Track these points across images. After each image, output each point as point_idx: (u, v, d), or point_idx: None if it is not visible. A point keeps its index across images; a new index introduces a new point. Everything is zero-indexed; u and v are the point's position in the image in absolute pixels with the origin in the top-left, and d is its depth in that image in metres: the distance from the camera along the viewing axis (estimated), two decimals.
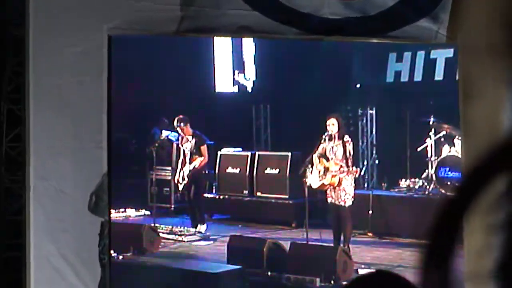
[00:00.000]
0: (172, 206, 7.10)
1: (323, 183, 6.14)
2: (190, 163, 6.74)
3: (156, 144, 6.59)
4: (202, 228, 6.60)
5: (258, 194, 7.05)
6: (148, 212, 6.79)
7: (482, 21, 3.19)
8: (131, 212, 6.73)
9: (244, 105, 7.55)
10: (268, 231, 6.61)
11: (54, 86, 3.56)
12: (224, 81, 7.61)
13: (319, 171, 6.18)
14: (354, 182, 6.02)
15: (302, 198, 6.20)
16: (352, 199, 5.97)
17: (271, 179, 7.01)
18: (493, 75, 3.23)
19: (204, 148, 6.77)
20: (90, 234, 3.51)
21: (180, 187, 6.79)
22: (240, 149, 7.36)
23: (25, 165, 3.54)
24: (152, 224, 6.26)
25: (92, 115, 3.57)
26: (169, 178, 6.93)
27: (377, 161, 6.78)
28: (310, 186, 6.07)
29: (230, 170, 7.24)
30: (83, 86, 3.53)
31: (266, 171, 7.07)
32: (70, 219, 3.52)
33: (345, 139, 6.05)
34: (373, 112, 6.76)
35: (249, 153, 7.22)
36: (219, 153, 7.22)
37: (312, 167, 6.12)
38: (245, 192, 7.09)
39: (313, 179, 6.14)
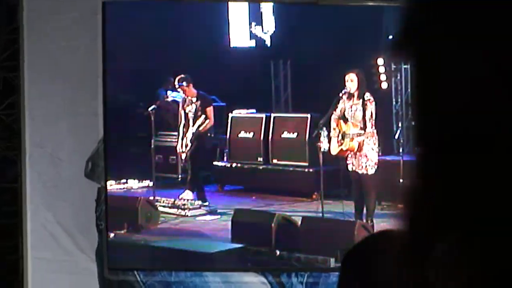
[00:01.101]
0: (179, 176, 7.54)
1: (341, 149, 6.72)
2: (193, 127, 7.32)
3: (154, 106, 6.92)
4: (187, 195, 7.15)
5: (274, 161, 7.67)
6: (152, 183, 7.17)
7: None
8: (133, 183, 7.09)
9: (262, 61, 7.95)
10: (284, 204, 7.21)
11: (49, 53, 4.51)
12: (240, 34, 7.88)
13: (338, 135, 6.75)
14: (379, 147, 6.53)
15: (324, 166, 6.77)
16: (376, 166, 6.48)
17: (289, 144, 7.56)
18: None
19: (210, 110, 7.38)
20: (86, 201, 4.52)
21: (184, 156, 7.37)
22: (254, 110, 7.96)
23: (21, 132, 4.55)
24: (152, 197, 6.78)
25: (88, 81, 4.51)
26: (175, 144, 7.42)
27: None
28: (328, 152, 6.66)
29: (242, 134, 7.87)
30: (78, 52, 4.46)
31: (282, 136, 7.63)
32: (66, 185, 4.52)
33: (365, 98, 6.54)
34: (408, 67, 6.79)
35: (263, 115, 7.83)
36: (230, 115, 7.79)
37: (328, 130, 6.69)
38: (260, 159, 7.74)
39: (331, 144, 6.73)
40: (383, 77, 7.21)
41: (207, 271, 5.10)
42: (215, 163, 7.85)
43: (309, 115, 7.44)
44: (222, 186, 7.84)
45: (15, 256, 4.55)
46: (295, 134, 7.63)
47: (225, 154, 7.99)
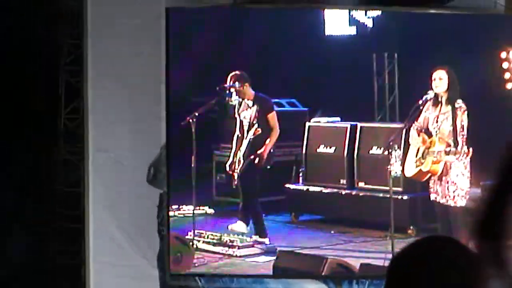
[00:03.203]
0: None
1: (420, 170, 8.74)
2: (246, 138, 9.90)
3: (197, 114, 9.26)
4: (239, 227, 9.64)
5: (361, 185, 10.26)
6: (211, 211, 10.18)
7: None
8: (189, 210, 9.72)
9: (363, 53, 10.61)
10: (370, 241, 9.84)
11: (112, 58, 8.26)
12: (338, 20, 10.34)
13: (417, 151, 8.75)
14: (470, 171, 8.45)
15: (419, 192, 9.21)
16: (467, 196, 8.54)
17: (378, 163, 9.96)
18: None
19: (272, 117, 9.98)
20: (148, 206, 8.19)
21: (236, 176, 10.00)
22: (338, 118, 10.67)
23: (84, 137, 8.25)
24: (190, 232, 9.40)
25: (151, 86, 8.24)
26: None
27: None
28: (402, 173, 8.94)
29: (322, 149, 10.68)
30: (141, 57, 8.20)
31: (371, 152, 10.15)
32: (128, 190, 8.23)
33: (456, 105, 8.57)
34: None
35: (348, 125, 10.46)
36: (307, 124, 10.58)
37: (405, 147, 8.67)
38: (343, 182, 10.45)
39: (406, 162, 8.79)
40: (507, 75, 9.37)
41: (269, 277, 8.61)
42: (288, 185, 10.79)
43: (402, 125, 9.53)
44: (296, 216, 10.83)
45: (78, 260, 8.23)
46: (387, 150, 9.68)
47: (301, 174, 10.87)
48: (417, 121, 9.13)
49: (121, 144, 8.48)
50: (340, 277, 9.00)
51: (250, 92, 9.85)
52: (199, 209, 10.21)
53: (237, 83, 9.66)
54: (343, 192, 10.57)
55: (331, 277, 8.94)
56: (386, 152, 9.44)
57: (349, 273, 8.94)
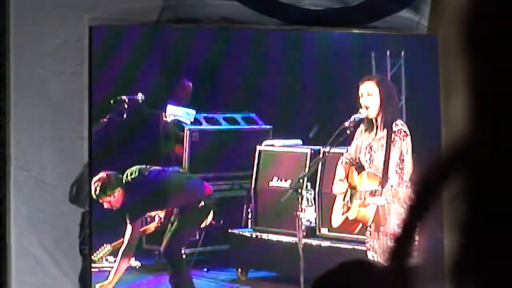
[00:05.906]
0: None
1: (346, 218, 11.59)
2: None
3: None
4: None
5: (323, 231, 14.05)
6: (137, 263, 15.64)
7: (462, 14, 14.80)
8: (111, 258, 17.45)
9: (361, 53, 15.79)
10: None
11: (35, 77, 18.22)
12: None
13: (345, 193, 11.58)
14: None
15: None
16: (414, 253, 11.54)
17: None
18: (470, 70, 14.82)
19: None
20: (71, 225, 17.13)
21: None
22: (299, 141, 14.50)
23: (6, 155, 16.16)
24: None
25: (73, 106, 17.76)
26: None
27: None
28: (329, 223, 12.60)
29: (275, 183, 14.48)
30: (64, 77, 17.45)
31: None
32: (50, 209, 17.92)
33: (394, 127, 11.31)
34: None
35: (308, 150, 14.11)
36: (258, 148, 14.68)
37: (320, 187, 12.45)
38: (302, 227, 13.86)
39: (335, 208, 11.81)
40: None
41: None
42: (232, 230, 15.39)
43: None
44: (244, 271, 15.31)
45: None
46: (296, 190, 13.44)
47: (249, 216, 15.33)
48: (346, 151, 12.67)
49: (43, 163, 17.64)
50: None
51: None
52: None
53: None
54: (302, 242, 13.81)
55: None
56: (294, 193, 12.54)
57: None
